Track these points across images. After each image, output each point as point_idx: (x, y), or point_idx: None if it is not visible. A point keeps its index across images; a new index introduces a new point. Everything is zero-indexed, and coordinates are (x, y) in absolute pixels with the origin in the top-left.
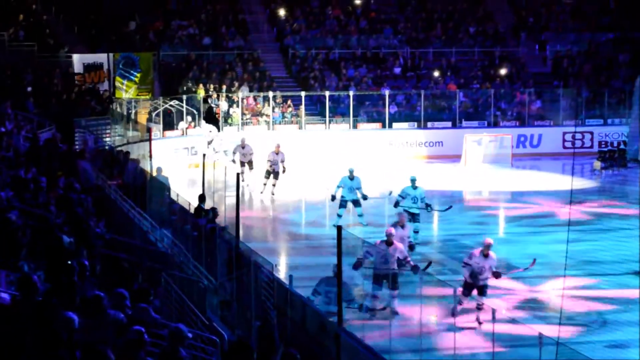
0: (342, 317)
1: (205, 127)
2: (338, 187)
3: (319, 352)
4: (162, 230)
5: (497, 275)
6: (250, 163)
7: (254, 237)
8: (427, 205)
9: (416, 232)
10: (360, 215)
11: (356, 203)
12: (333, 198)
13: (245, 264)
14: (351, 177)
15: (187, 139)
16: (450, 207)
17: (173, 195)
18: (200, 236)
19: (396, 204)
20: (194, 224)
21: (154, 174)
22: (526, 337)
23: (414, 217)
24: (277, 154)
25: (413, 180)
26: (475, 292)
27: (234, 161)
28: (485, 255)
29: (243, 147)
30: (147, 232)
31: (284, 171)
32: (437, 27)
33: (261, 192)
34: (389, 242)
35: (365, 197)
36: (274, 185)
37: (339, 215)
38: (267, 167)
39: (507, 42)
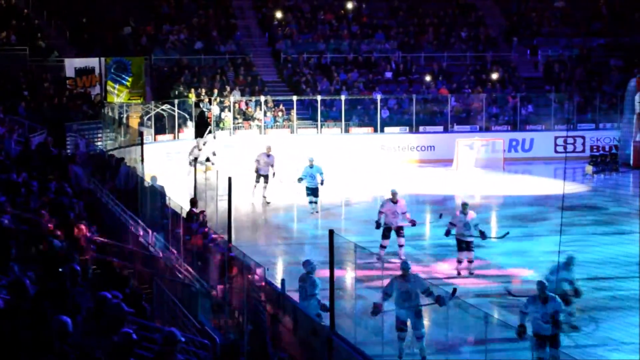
0: (334, 321)
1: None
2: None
3: (311, 356)
4: (154, 234)
5: (412, 223)
6: (267, 176)
7: (246, 241)
8: (482, 233)
9: (470, 261)
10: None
11: (314, 191)
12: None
13: (237, 268)
14: (311, 166)
15: (179, 143)
16: (507, 233)
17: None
18: (192, 240)
19: (447, 233)
20: (186, 228)
21: (148, 181)
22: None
23: (468, 246)
24: (268, 155)
25: (465, 206)
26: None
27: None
28: (394, 202)
29: (268, 156)
30: (139, 236)
31: (273, 175)
32: (428, 31)
33: (253, 196)
34: (394, 200)
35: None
36: (264, 188)
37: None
38: (255, 169)
39: (499, 47)
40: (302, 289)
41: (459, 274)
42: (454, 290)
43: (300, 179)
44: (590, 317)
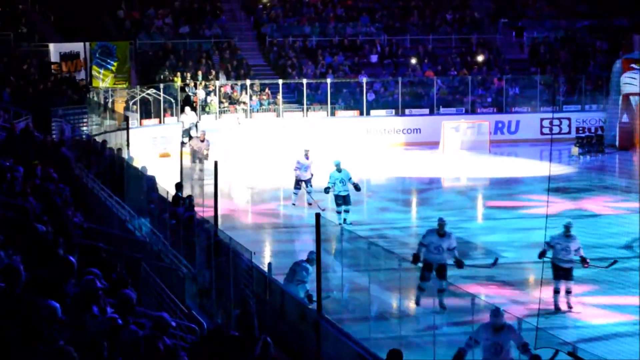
0: (322, 305)
1: (187, 119)
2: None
3: (298, 340)
4: (140, 219)
5: (459, 264)
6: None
7: (233, 225)
8: (583, 259)
9: (569, 292)
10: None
11: (346, 199)
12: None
13: (223, 252)
14: (339, 170)
15: (164, 127)
16: (616, 261)
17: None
18: (178, 224)
19: (542, 254)
20: (172, 213)
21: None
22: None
23: (567, 273)
24: (202, 141)
25: (569, 227)
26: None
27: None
28: (441, 235)
29: (202, 141)
30: (125, 221)
31: (206, 157)
32: (414, 14)
33: (197, 178)
34: (440, 233)
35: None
36: (201, 170)
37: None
38: (191, 153)
39: (484, 29)
40: (292, 272)
41: (557, 308)
42: (496, 259)
43: (327, 189)
44: None
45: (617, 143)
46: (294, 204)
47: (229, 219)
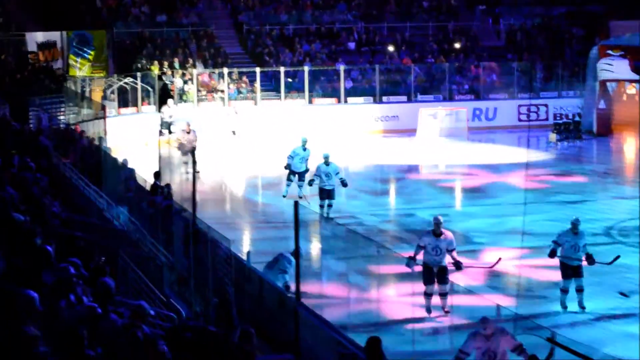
0: (300, 292)
1: (168, 111)
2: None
3: (277, 328)
4: (118, 207)
5: (457, 266)
6: (193, 152)
7: (211, 213)
8: (589, 257)
9: (580, 290)
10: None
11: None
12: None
13: (202, 241)
14: (327, 163)
15: (142, 116)
16: (618, 256)
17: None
18: (156, 213)
19: (553, 254)
20: (150, 201)
21: (115, 158)
22: (483, 309)
23: (575, 272)
24: (188, 132)
25: (576, 224)
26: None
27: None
28: (437, 235)
29: (187, 133)
30: (103, 210)
31: (194, 149)
32: (390, 2)
33: (187, 172)
34: (436, 232)
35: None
36: (194, 162)
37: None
38: (178, 145)
39: (461, 16)
40: (276, 260)
41: (564, 307)
42: (499, 259)
43: (311, 181)
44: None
45: (594, 129)
46: (284, 196)
47: (208, 207)
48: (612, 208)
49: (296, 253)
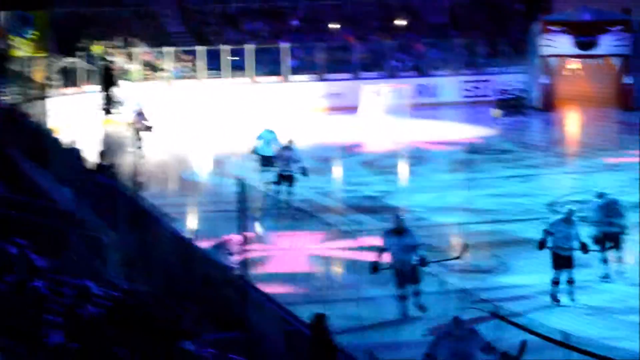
0: (247, 270)
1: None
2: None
3: (224, 307)
4: (63, 188)
5: (423, 262)
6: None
7: (157, 193)
8: (584, 245)
9: (571, 282)
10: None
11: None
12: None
13: (147, 220)
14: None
15: (85, 96)
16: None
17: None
18: (101, 193)
19: (542, 244)
20: (95, 181)
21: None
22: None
23: (568, 262)
24: (140, 114)
25: (571, 213)
26: None
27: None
28: (400, 232)
29: (140, 114)
30: (49, 190)
31: (149, 129)
32: None
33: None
34: (398, 230)
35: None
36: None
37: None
38: (133, 126)
39: None
40: (225, 241)
41: (556, 300)
42: (465, 245)
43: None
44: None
45: (537, 104)
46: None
47: (153, 187)
48: (556, 183)
49: (242, 232)
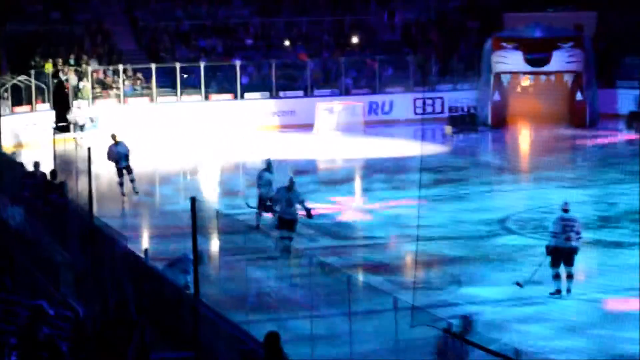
0: (199, 289)
1: (80, 113)
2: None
3: (176, 326)
4: (13, 207)
5: (308, 213)
6: (128, 167)
7: (108, 212)
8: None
9: (570, 276)
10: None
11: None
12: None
13: (99, 239)
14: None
15: (37, 114)
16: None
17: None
18: (52, 212)
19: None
20: (47, 200)
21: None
22: (381, 303)
23: (569, 257)
24: (116, 144)
25: (566, 208)
26: None
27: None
28: (290, 190)
29: (116, 145)
30: None
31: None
32: None
33: (123, 195)
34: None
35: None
36: (132, 181)
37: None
38: (113, 162)
39: (357, 10)
40: (179, 260)
41: (559, 292)
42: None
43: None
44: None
45: (489, 121)
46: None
47: (105, 205)
48: (507, 200)
49: (194, 251)
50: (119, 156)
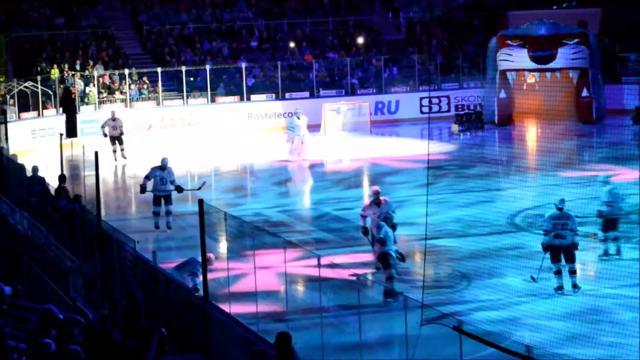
0: (208, 291)
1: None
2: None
3: (186, 328)
4: (21, 212)
5: (179, 189)
6: (120, 138)
7: (117, 216)
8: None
9: (573, 272)
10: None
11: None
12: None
13: (107, 243)
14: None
15: (44, 120)
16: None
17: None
18: (61, 217)
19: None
20: (55, 205)
21: (17, 162)
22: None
23: (568, 253)
24: (113, 120)
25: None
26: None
27: (105, 135)
28: (163, 169)
29: (113, 120)
30: (6, 215)
31: (121, 135)
32: None
33: (115, 160)
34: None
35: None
36: (122, 149)
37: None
38: (108, 133)
39: (361, 11)
40: (187, 263)
41: (560, 287)
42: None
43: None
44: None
45: (495, 119)
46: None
47: (113, 209)
48: (516, 197)
49: (202, 252)
50: (162, 182)
